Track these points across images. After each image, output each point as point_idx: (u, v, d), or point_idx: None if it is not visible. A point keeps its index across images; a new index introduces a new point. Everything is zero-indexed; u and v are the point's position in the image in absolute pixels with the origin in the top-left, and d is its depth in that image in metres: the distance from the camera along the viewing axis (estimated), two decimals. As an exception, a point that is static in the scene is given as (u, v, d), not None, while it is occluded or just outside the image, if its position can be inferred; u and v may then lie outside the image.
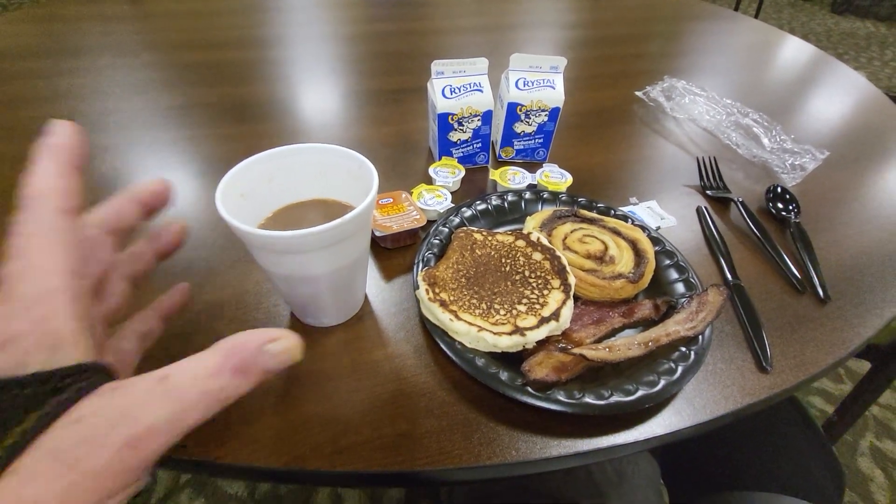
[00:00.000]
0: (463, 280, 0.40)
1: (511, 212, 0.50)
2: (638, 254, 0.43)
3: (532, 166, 0.59)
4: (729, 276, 0.45)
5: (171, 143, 0.60)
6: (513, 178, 0.54)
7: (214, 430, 0.30)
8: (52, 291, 0.18)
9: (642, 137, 0.67)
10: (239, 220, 0.28)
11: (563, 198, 0.51)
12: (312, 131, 0.65)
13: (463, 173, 0.54)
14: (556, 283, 0.39)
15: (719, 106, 0.69)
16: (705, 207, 0.54)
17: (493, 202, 0.50)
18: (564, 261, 0.41)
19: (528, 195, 0.51)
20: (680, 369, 0.34)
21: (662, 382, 0.33)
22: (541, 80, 0.54)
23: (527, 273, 0.41)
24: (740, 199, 0.53)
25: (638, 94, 0.77)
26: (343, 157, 0.35)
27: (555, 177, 0.54)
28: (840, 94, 0.83)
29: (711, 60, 0.94)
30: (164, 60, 0.81)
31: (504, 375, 0.33)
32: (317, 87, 0.77)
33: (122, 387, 0.17)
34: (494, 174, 0.54)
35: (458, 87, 0.52)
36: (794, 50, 1.02)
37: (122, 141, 0.60)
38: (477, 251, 0.43)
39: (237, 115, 0.67)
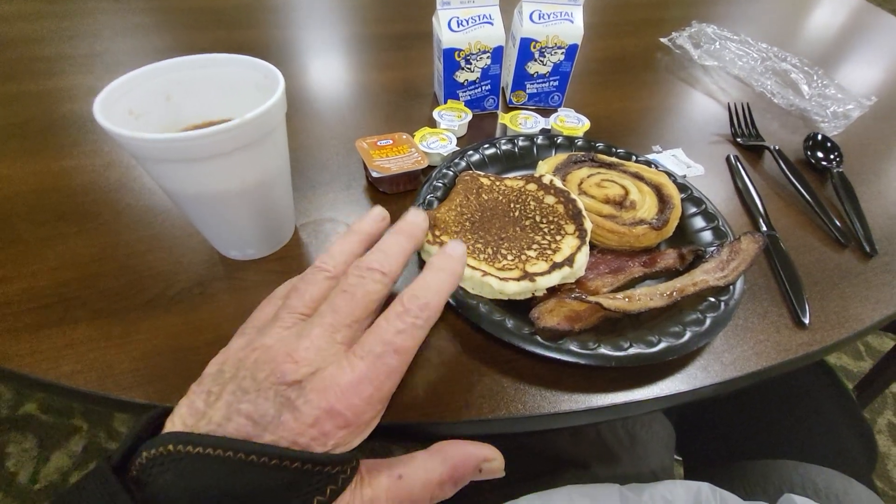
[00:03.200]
0: (467, 224, 0.36)
1: (522, 157, 0.46)
2: (662, 199, 0.39)
3: (546, 112, 0.54)
4: (763, 227, 0.41)
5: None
6: (524, 123, 0.49)
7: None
8: None
9: (667, 85, 0.61)
10: None
11: (580, 143, 0.46)
12: (311, 76, 0.60)
13: (470, 117, 0.49)
14: (570, 228, 0.36)
15: (753, 51, 0.63)
16: (736, 156, 0.49)
17: (503, 146, 0.46)
18: (580, 204, 0.36)
19: (540, 140, 0.47)
20: (709, 320, 0.30)
21: (689, 334, 0.30)
22: (558, 13, 0.49)
23: (538, 218, 0.37)
24: (776, 148, 0.48)
25: (663, 40, 0.70)
26: (248, 67, 0.32)
27: (571, 121, 0.50)
28: (887, 43, 0.76)
29: (744, 6, 0.86)
30: (156, 5, 0.76)
31: (510, 323, 0.30)
32: (317, 31, 0.72)
33: (368, 480, 0.19)
34: (504, 118, 0.50)
35: (465, 19, 0.47)
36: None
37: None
38: (483, 195, 0.39)
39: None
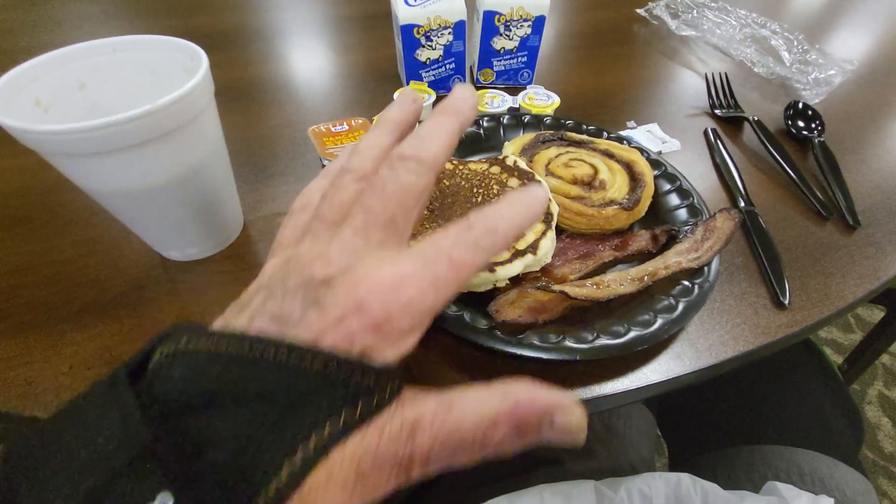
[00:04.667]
0: (426, 213, 0.34)
1: (488, 139, 0.43)
2: (634, 178, 0.36)
3: (515, 91, 0.51)
4: (742, 202, 0.39)
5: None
6: (491, 102, 0.47)
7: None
8: None
9: (644, 58, 0.59)
10: None
11: (548, 121, 0.44)
12: (267, 62, 0.57)
13: (433, 98, 0.47)
14: (535, 212, 0.33)
15: (732, 18, 0.60)
16: (714, 129, 0.46)
17: (467, 129, 0.43)
18: (546, 187, 0.34)
19: (507, 119, 0.44)
20: (681, 306, 0.28)
21: (659, 321, 0.28)
22: (522, -17, 0.46)
23: (501, 202, 0.34)
24: (755, 118, 0.46)
25: (640, 11, 0.67)
26: (172, 49, 0.29)
27: (540, 99, 0.47)
28: (868, 5, 0.73)
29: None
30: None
31: (468, 317, 0.28)
32: (274, 15, 0.68)
33: (416, 402, 0.15)
34: (470, 98, 0.47)
35: (423, -8, 0.44)
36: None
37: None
38: (445, 181, 0.36)
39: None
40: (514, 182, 0.35)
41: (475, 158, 0.39)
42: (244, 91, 0.51)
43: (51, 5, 0.67)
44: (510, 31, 0.48)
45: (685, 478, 0.33)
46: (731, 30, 0.59)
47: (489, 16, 0.47)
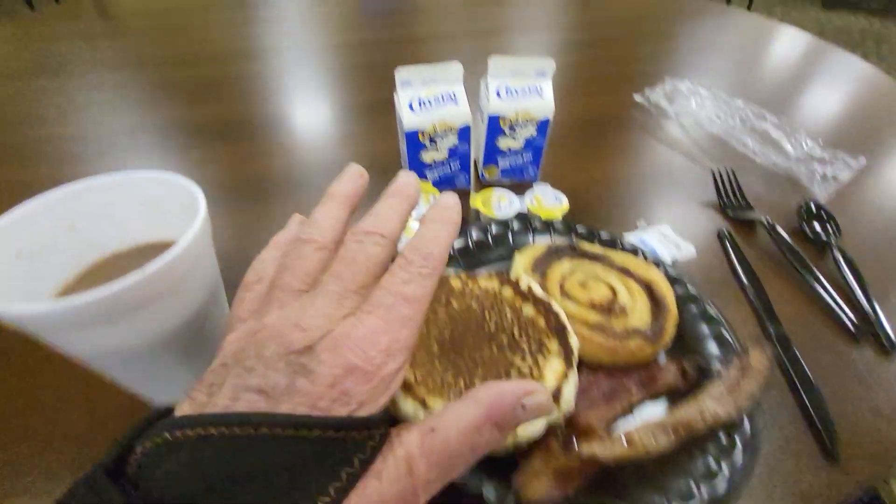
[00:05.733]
0: (435, 348, 0.31)
1: (497, 246, 0.42)
2: (654, 300, 0.34)
3: (521, 187, 0.50)
4: (768, 323, 0.36)
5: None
6: (498, 205, 0.45)
7: None
8: None
9: (646, 148, 0.59)
10: (14, 291, 0.21)
11: (559, 226, 0.42)
12: (261, 158, 0.56)
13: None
14: (552, 345, 0.31)
15: (729, 108, 0.61)
16: (727, 232, 0.45)
17: (475, 235, 0.42)
18: (563, 317, 0.32)
19: (516, 226, 0.42)
20: (725, 473, 0.25)
21: (702, 495, 0.24)
22: (526, 88, 0.46)
23: (516, 333, 0.32)
24: (769, 220, 0.45)
25: (637, 98, 0.68)
26: (168, 186, 0.27)
27: (548, 201, 0.46)
28: (861, 91, 0.75)
29: (714, 59, 0.86)
30: (123, 78, 0.72)
31: (491, 493, 0.24)
32: (273, 104, 0.68)
33: (399, 439, 0.16)
34: (476, 201, 0.45)
35: (428, 98, 0.44)
36: (801, 44, 0.95)
37: (93, 169, 0.51)
38: (454, 303, 0.34)
39: (189, 137, 0.58)
40: (528, 309, 0.33)
41: (484, 272, 0.37)
42: (244, 189, 0.50)
43: (54, 89, 0.67)
44: (515, 131, 0.47)
45: None
46: (730, 120, 0.59)
47: (494, 119, 0.46)
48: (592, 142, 0.60)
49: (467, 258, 0.40)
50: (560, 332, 0.31)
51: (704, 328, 0.34)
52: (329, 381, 0.15)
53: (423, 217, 0.21)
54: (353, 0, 1.13)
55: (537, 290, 0.33)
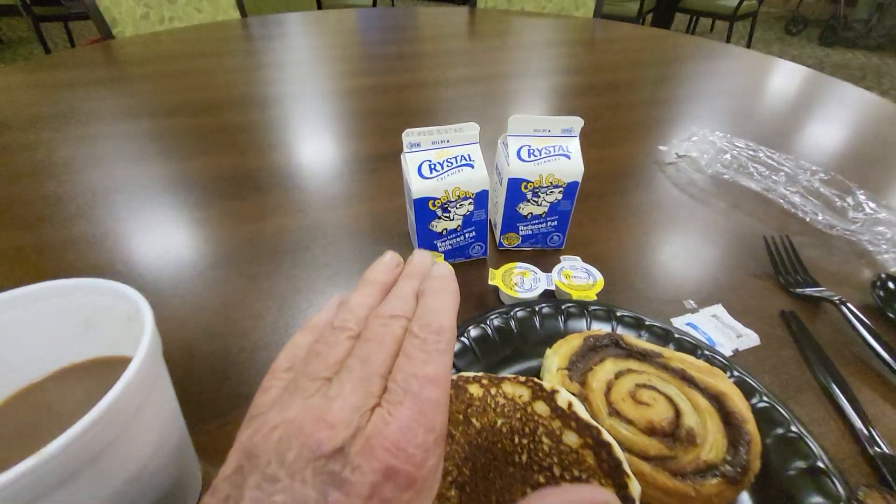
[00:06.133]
0: (453, 491, 0.24)
1: (522, 336, 0.35)
2: (728, 421, 0.27)
3: (544, 257, 0.44)
4: (866, 442, 0.29)
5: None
6: (521, 283, 0.39)
7: None
8: None
9: (680, 208, 0.53)
10: None
11: (596, 310, 0.36)
12: (272, 215, 0.51)
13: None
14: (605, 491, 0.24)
15: (772, 161, 0.56)
16: (791, 313, 0.38)
17: (495, 322, 0.35)
18: (618, 450, 0.25)
19: (544, 310, 0.36)
20: None
21: None
22: (551, 148, 0.41)
23: (556, 470, 0.25)
24: (843, 302, 0.38)
25: (662, 148, 0.63)
26: (108, 296, 0.22)
27: (579, 276, 0.39)
28: (901, 138, 0.70)
29: (740, 104, 0.81)
30: (119, 130, 0.69)
31: None
32: (274, 156, 0.64)
33: None
34: (495, 277, 0.39)
35: (440, 161, 0.39)
36: (831, 90, 0.90)
37: (101, 230, 0.46)
38: (475, 421, 0.28)
39: (179, 192, 0.53)
40: (571, 437, 0.26)
41: (509, 374, 0.30)
42: (239, 257, 0.44)
43: (53, 141, 0.63)
44: (539, 197, 0.42)
45: None
46: (773, 175, 0.54)
47: (515, 183, 0.41)
48: (620, 200, 0.54)
49: (487, 350, 0.34)
50: (615, 473, 0.24)
51: (793, 458, 0.27)
52: (367, 491, 0.14)
53: (422, 290, 0.20)
54: (356, 42, 1.11)
55: (581, 412, 0.27)
